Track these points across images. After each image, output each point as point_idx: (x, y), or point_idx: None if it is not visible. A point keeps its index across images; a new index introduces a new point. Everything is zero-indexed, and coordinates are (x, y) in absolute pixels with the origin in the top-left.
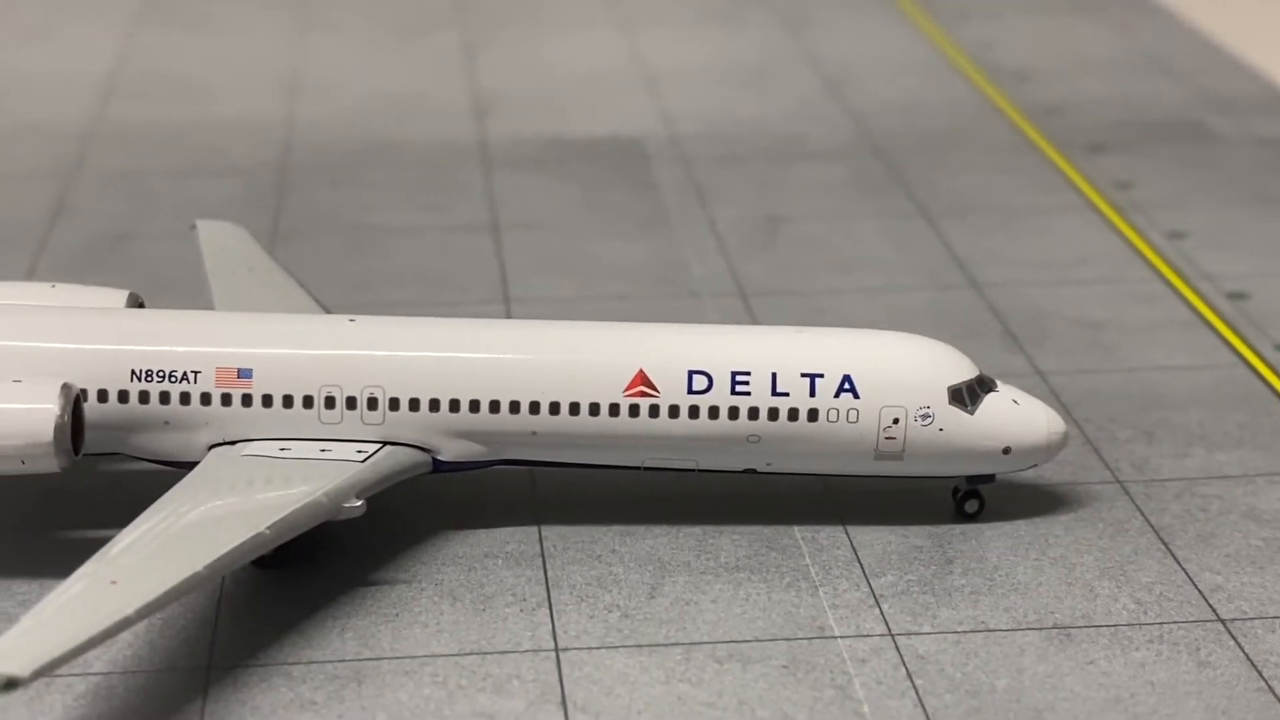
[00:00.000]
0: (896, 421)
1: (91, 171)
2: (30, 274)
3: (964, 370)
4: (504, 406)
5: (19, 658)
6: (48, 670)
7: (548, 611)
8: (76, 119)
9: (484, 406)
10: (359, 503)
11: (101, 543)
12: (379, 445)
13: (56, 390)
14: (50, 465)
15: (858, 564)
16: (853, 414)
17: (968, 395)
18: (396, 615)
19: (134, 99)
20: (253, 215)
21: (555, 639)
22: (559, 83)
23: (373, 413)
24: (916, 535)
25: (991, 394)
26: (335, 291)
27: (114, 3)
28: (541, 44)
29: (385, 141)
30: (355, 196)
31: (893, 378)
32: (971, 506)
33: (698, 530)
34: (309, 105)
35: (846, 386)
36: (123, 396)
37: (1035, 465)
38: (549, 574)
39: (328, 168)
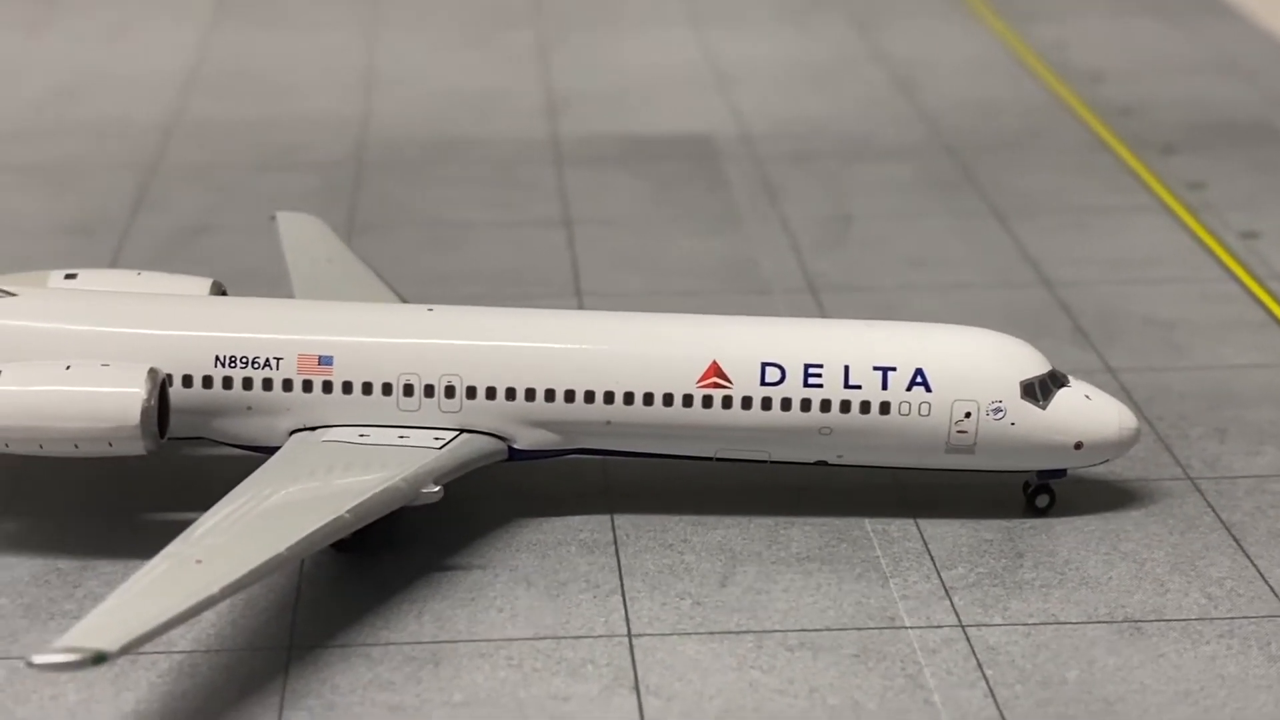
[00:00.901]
0: (968, 415)
1: (172, 165)
2: (113, 263)
3: (1036, 365)
4: (579, 396)
5: (107, 634)
6: (134, 646)
7: (621, 598)
8: (158, 114)
9: (559, 396)
10: (437, 488)
11: (184, 525)
12: (456, 433)
13: (144, 375)
14: (137, 448)
15: (928, 556)
16: (925, 407)
17: (1040, 390)
18: (472, 600)
19: (213, 95)
20: (329, 209)
21: (628, 625)
22: (631, 81)
23: (450, 401)
24: (987, 529)
25: (1064, 389)
26: (410, 285)
27: (193, 1)
28: (614, 43)
29: (459, 138)
30: (430, 192)
31: (965, 372)
32: (1042, 501)
33: (769, 521)
34: (384, 102)
35: (919, 380)
36: (207, 382)
37: (1106, 461)
38: (622, 562)
39: (402, 163)
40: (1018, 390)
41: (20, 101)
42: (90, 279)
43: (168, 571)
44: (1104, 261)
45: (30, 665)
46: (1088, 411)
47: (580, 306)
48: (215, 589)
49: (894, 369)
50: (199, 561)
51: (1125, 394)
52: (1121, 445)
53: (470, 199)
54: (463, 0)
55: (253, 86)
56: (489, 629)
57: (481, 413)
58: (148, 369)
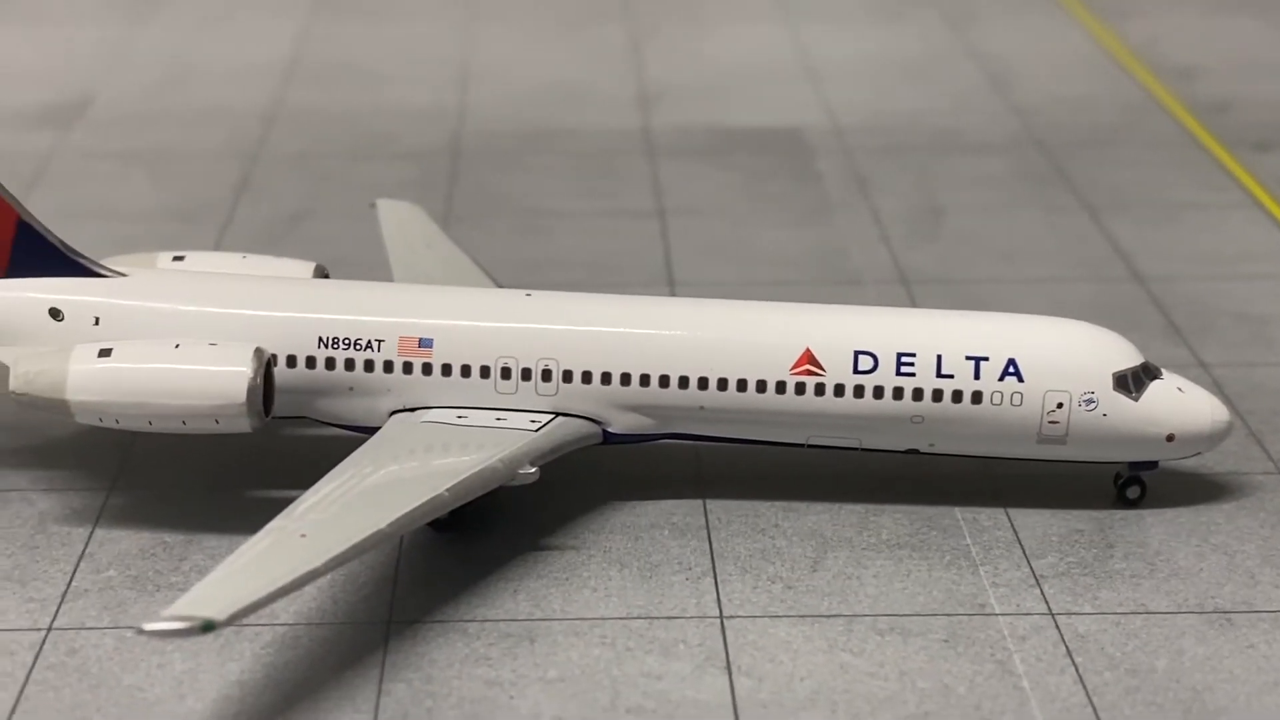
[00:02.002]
0: (1060, 406)
1: (272, 152)
2: (217, 247)
3: (1129, 357)
4: (673, 381)
5: (215, 603)
6: (241, 615)
7: (712, 580)
8: (258, 103)
9: (654, 381)
10: (533, 470)
11: (285, 503)
12: (551, 416)
13: (250, 354)
14: (242, 425)
15: (1018, 545)
16: (1017, 397)
17: (1132, 382)
18: (566, 579)
19: (312, 84)
20: (425, 198)
21: (720, 607)
22: (723, 74)
23: (547, 384)
24: (1077, 519)
25: (1156, 381)
26: (505, 272)
27: None
28: (705, 37)
29: (553, 129)
30: (524, 181)
31: (1058, 362)
32: (1133, 492)
33: (859, 508)
34: (479, 93)
35: (1011, 370)
36: (310, 362)
37: (1198, 454)
38: (714, 545)
39: (497, 154)
40: (1110, 382)
41: (127, 90)
42: (197, 261)
43: (273, 545)
44: (1196, 257)
45: (141, 632)
46: (1180, 404)
47: (672, 295)
48: (319, 562)
49: (986, 359)
50: (303, 536)
51: (1217, 388)
52: (1213, 438)
53: (564, 189)
54: None
55: (351, 77)
56: (583, 608)
57: (577, 396)
58: (254, 348)
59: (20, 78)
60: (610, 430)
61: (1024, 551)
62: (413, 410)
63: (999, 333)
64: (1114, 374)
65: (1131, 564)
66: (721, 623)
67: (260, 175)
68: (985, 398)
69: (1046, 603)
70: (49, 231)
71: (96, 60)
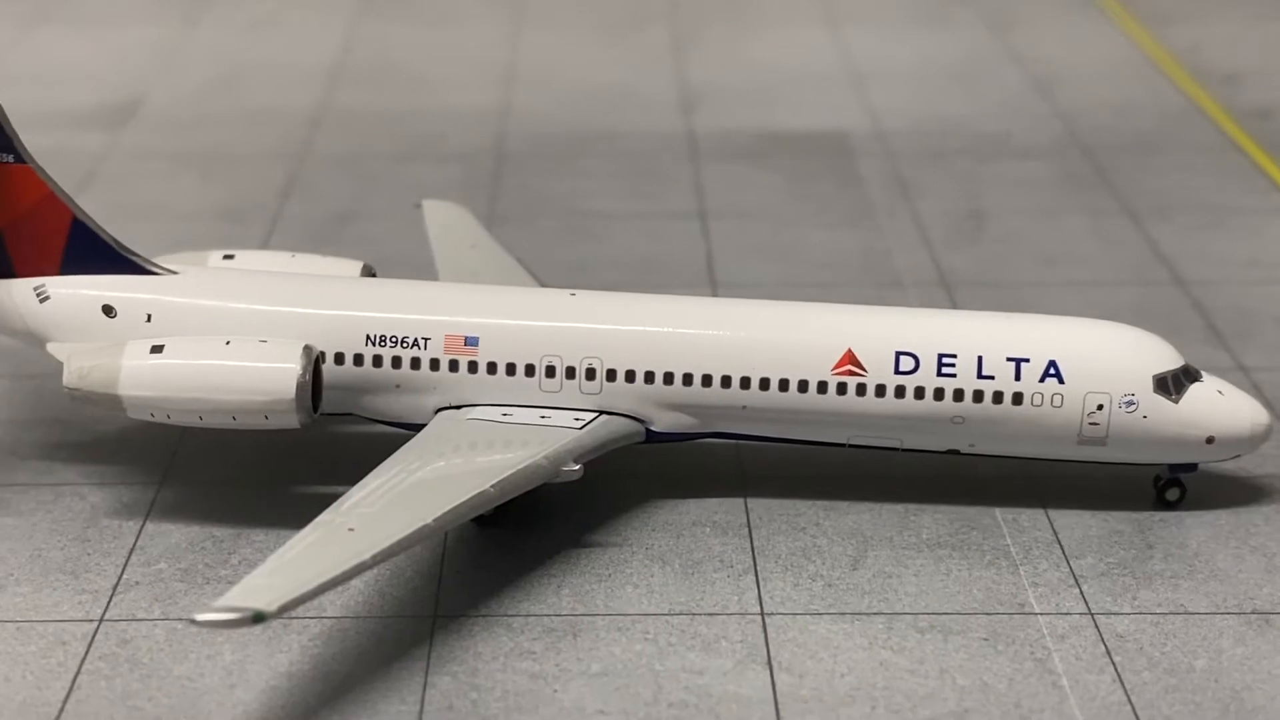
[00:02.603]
0: (1101, 408)
1: (319, 154)
2: (265, 247)
3: (1169, 359)
4: (715, 381)
5: (265, 595)
6: (291, 607)
7: (754, 578)
8: (305, 104)
9: (696, 380)
10: (577, 467)
11: (332, 498)
12: (595, 414)
13: (299, 351)
14: (291, 421)
15: (1058, 545)
16: (1057, 399)
17: (1173, 384)
18: (609, 575)
19: (358, 87)
20: (470, 199)
21: (761, 604)
22: (766, 78)
23: (590, 383)
24: (1117, 520)
25: (1196, 384)
26: (549, 273)
27: None
28: (749, 41)
29: (597, 132)
30: (568, 183)
31: (1098, 364)
32: (1173, 494)
33: (899, 508)
34: (524, 96)
35: (1052, 371)
36: (358, 360)
37: (1238, 456)
38: (755, 543)
39: (542, 155)
40: (1150, 384)
41: (177, 92)
42: (247, 259)
43: (321, 538)
44: (1238, 262)
45: (193, 623)
46: (1220, 407)
47: (715, 296)
48: (367, 555)
49: (1027, 360)
50: (351, 529)
51: (1257, 392)
52: (1253, 441)
53: (607, 191)
54: None
55: (398, 79)
56: (625, 604)
57: (620, 395)
58: (303, 346)
59: (73, 79)
60: (653, 429)
61: (1064, 552)
62: (458, 408)
63: (1040, 334)
64: (1154, 376)
65: (1171, 565)
66: (763, 619)
67: (307, 176)
68: (1026, 399)
69: (1086, 602)
70: (102, 230)
71: (147, 62)
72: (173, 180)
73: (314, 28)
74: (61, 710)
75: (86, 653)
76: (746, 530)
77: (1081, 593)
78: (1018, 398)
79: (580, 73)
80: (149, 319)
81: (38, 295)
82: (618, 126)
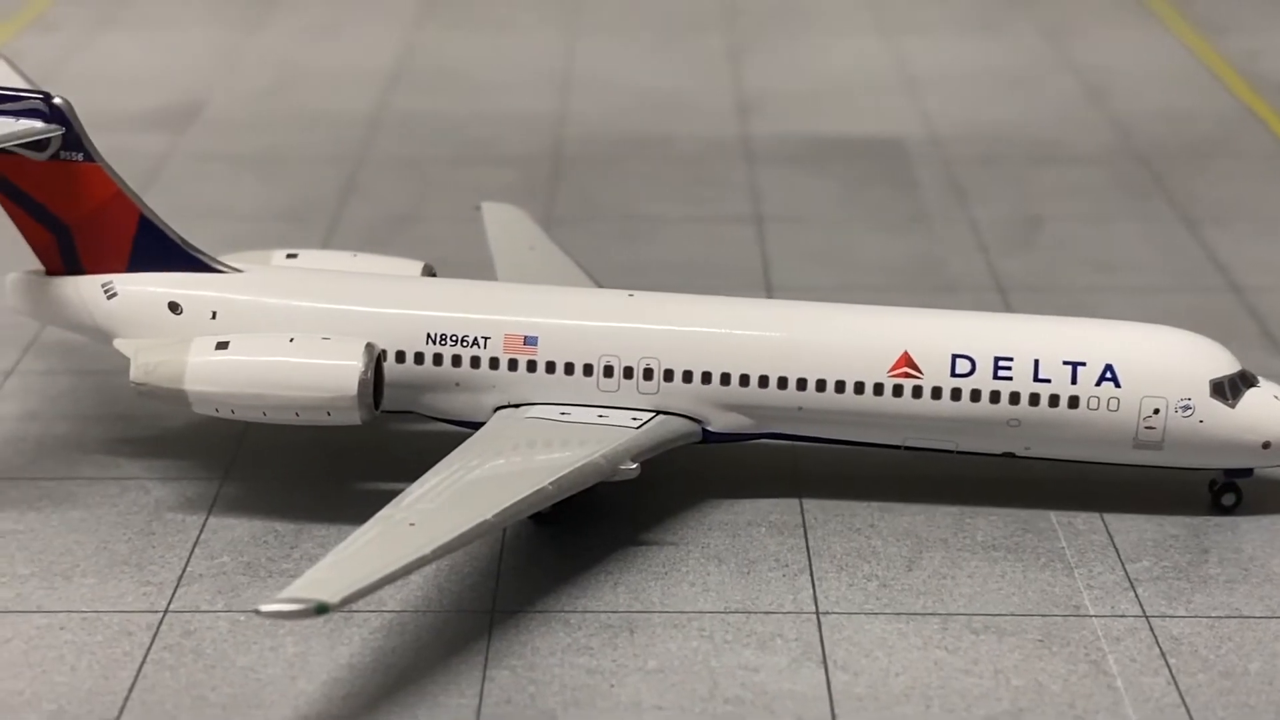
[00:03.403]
0: (1157, 412)
1: (377, 157)
2: (324, 247)
3: (1226, 364)
4: (772, 382)
5: (329, 586)
6: (353, 599)
7: (809, 578)
8: (364, 108)
9: (753, 381)
10: (634, 465)
11: (392, 494)
12: (652, 414)
13: (361, 348)
14: (353, 418)
15: (1113, 549)
16: (1113, 403)
17: (1229, 389)
18: (665, 573)
19: (416, 91)
20: (527, 202)
21: (816, 603)
22: (821, 85)
23: (648, 383)
24: (1172, 525)
25: (1253, 389)
26: (605, 275)
27: (396, 2)
28: (804, 48)
29: (652, 136)
30: (624, 187)
31: (1155, 368)
32: (1228, 499)
33: (954, 510)
34: (580, 101)
35: (1108, 375)
36: (418, 358)
37: None
38: (810, 543)
39: (598, 160)
40: (1207, 388)
41: (239, 95)
42: (310, 258)
43: (383, 533)
44: None
45: (258, 613)
46: (1276, 412)
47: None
48: (428, 550)
49: (1084, 364)
50: (412, 524)
51: None
52: None
53: (663, 195)
54: (657, 5)
55: (454, 84)
56: (681, 601)
57: (678, 395)
58: (365, 343)
59: (137, 83)
60: (710, 429)
61: (1119, 555)
62: (517, 406)
63: (1096, 338)
64: (1211, 381)
65: (1226, 569)
66: (818, 618)
67: (366, 178)
68: (1082, 402)
69: (1141, 605)
70: (169, 228)
71: (209, 66)
72: (234, 182)
73: (373, 33)
74: (127, 699)
75: (151, 643)
76: (802, 530)
77: (1136, 596)
78: (1074, 401)
79: (636, 78)
80: (214, 316)
81: (105, 292)
82: (673, 131)
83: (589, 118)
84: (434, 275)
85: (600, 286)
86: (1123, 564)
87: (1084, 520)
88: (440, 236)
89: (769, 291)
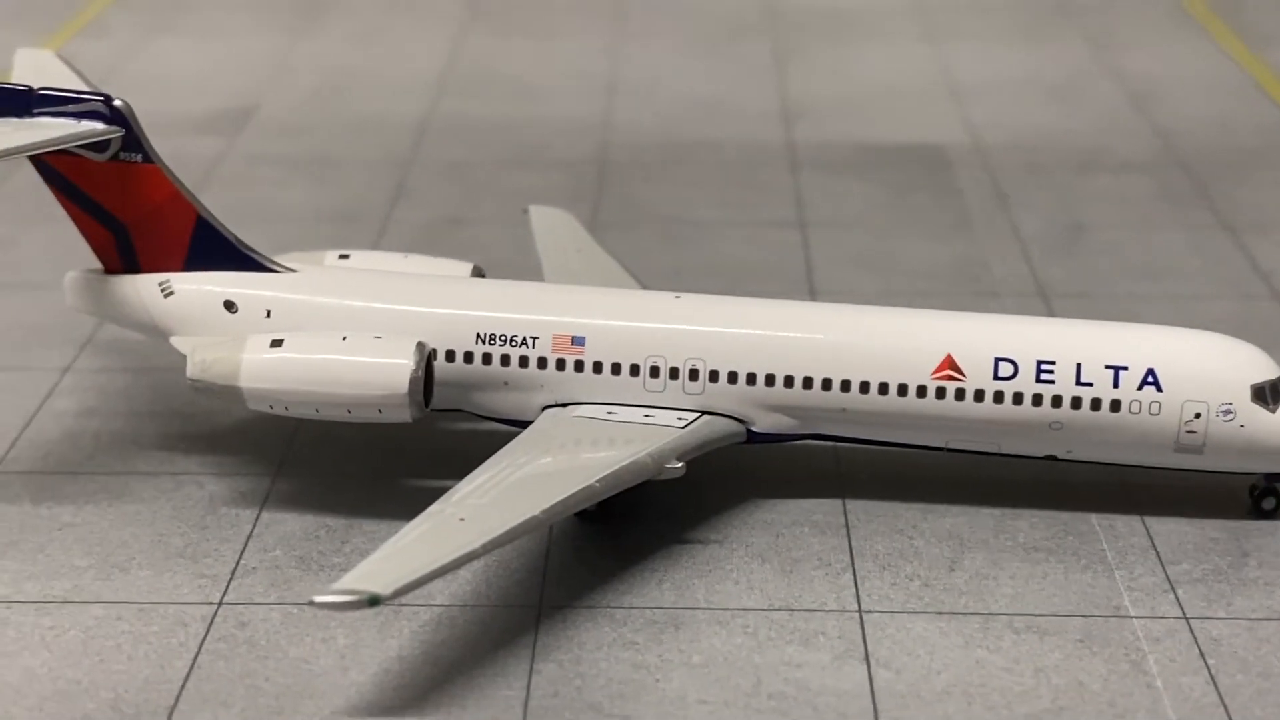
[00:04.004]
0: (1198, 416)
1: (426, 160)
2: (375, 249)
3: (1267, 369)
4: (816, 383)
5: (380, 579)
6: (404, 591)
7: (851, 577)
8: (413, 113)
9: (797, 382)
10: (680, 465)
11: (441, 491)
12: (698, 414)
13: (412, 347)
14: (403, 415)
15: (1154, 551)
16: (1155, 407)
17: (1270, 394)
18: (710, 571)
19: (464, 96)
20: (573, 206)
21: (859, 601)
22: (865, 92)
23: (694, 383)
24: (1212, 528)
25: None
26: (651, 278)
27: (444, 9)
28: (849, 55)
29: (697, 142)
30: (669, 192)
31: (1196, 373)
32: (1269, 504)
33: (996, 512)
34: (627, 107)
35: (1150, 380)
36: (468, 357)
37: None
38: (853, 543)
39: (643, 164)
40: (1248, 393)
41: (289, 99)
42: (362, 259)
43: (433, 528)
44: None
45: (311, 604)
46: None
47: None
48: (477, 544)
49: (1125, 368)
50: (461, 520)
51: None
52: None
53: (708, 199)
54: (702, 12)
55: (502, 89)
56: (725, 598)
57: (723, 396)
58: (416, 342)
59: (189, 87)
60: (754, 429)
61: (1159, 558)
62: (564, 405)
63: (1138, 343)
64: (1252, 386)
65: (1266, 572)
66: (860, 617)
67: (415, 182)
68: (1124, 406)
69: (1181, 607)
70: (225, 228)
71: (260, 71)
72: (285, 184)
73: (421, 39)
74: (183, 687)
75: (206, 633)
76: (845, 530)
77: (1177, 598)
78: (1116, 405)
79: (681, 84)
80: (268, 315)
81: (162, 290)
82: (718, 137)
83: (635, 123)
84: (483, 276)
85: (647, 287)
86: (1163, 566)
87: (1125, 523)
88: (488, 239)
89: (812, 296)
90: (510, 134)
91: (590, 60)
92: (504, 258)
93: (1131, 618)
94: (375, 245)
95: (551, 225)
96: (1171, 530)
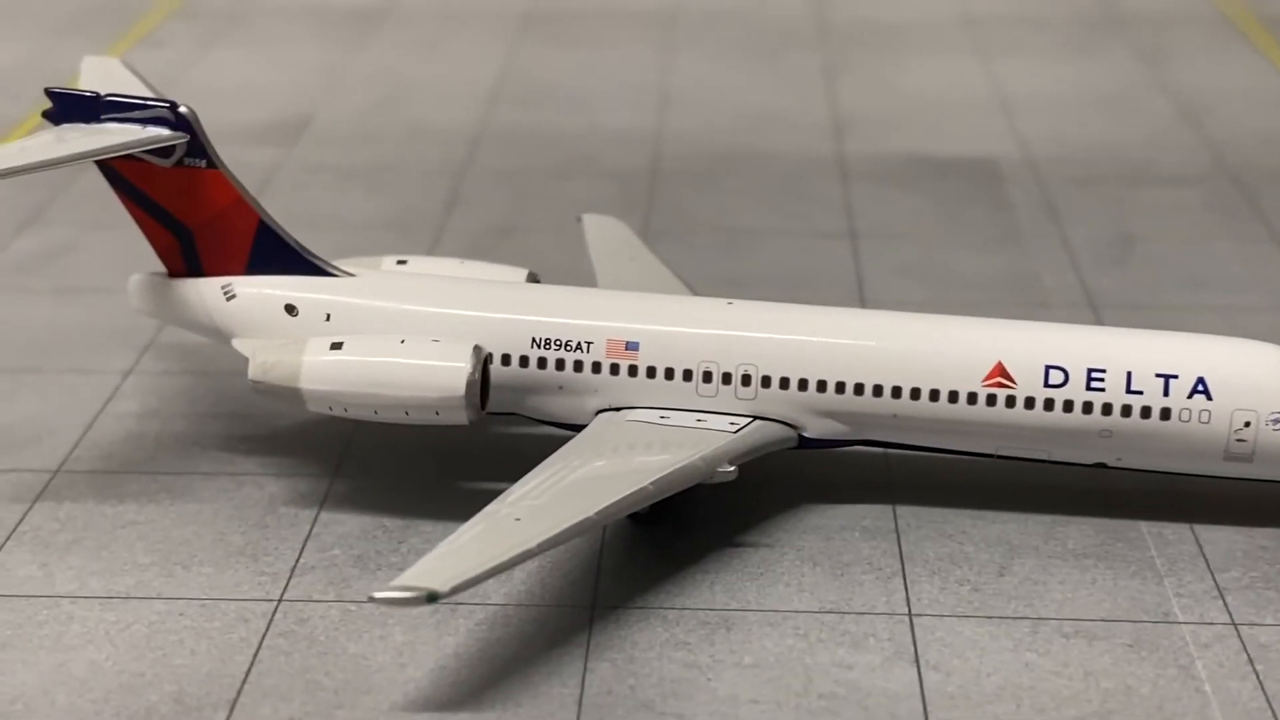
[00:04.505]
0: (1248, 425)
1: (480, 169)
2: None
3: None
4: (867, 389)
5: (438, 576)
6: (462, 589)
7: (901, 581)
8: (467, 123)
9: (849, 388)
10: (731, 468)
11: (496, 492)
12: (750, 419)
13: (469, 351)
14: (460, 418)
15: (1203, 559)
16: (1205, 415)
17: None
18: (761, 574)
19: (517, 106)
20: (625, 215)
21: (909, 605)
22: (916, 104)
23: (746, 388)
24: (1261, 536)
25: None
26: (701, 287)
27: (498, 20)
28: (899, 68)
29: (748, 153)
30: (720, 202)
31: (1246, 382)
32: None
33: (1046, 518)
34: (678, 117)
35: (1200, 388)
36: (523, 361)
37: None
38: (903, 548)
39: (694, 175)
40: None
41: (346, 109)
42: (419, 264)
43: (489, 527)
44: None
45: (371, 600)
46: None
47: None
48: (532, 544)
49: (1176, 376)
50: (517, 519)
51: None
52: None
53: (758, 209)
54: (753, 24)
55: (554, 100)
56: (776, 601)
57: (774, 401)
58: (473, 346)
59: (246, 97)
60: (805, 435)
61: (1208, 565)
62: (618, 409)
63: (1188, 351)
64: None
65: None
66: (910, 620)
67: (469, 190)
68: (1173, 414)
69: (1229, 613)
70: (286, 233)
71: (316, 81)
72: (341, 193)
73: (475, 50)
74: (244, 681)
75: (267, 629)
76: (895, 535)
77: (1225, 604)
78: (1166, 413)
79: (732, 96)
80: (328, 318)
81: (225, 294)
82: (768, 148)
83: (686, 133)
84: (538, 282)
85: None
86: (1212, 573)
87: (1174, 530)
88: (540, 247)
89: (862, 305)
90: (562, 144)
91: (642, 71)
92: (556, 265)
93: (1180, 623)
94: (430, 252)
95: (605, 233)
96: (1220, 537)
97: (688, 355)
